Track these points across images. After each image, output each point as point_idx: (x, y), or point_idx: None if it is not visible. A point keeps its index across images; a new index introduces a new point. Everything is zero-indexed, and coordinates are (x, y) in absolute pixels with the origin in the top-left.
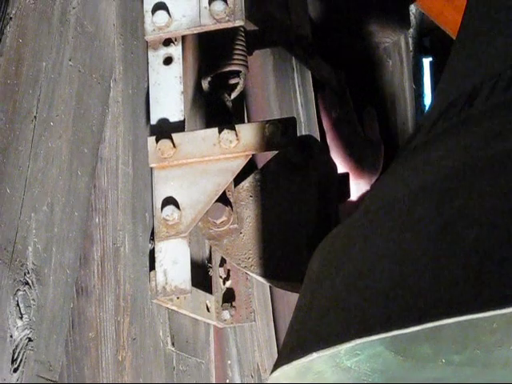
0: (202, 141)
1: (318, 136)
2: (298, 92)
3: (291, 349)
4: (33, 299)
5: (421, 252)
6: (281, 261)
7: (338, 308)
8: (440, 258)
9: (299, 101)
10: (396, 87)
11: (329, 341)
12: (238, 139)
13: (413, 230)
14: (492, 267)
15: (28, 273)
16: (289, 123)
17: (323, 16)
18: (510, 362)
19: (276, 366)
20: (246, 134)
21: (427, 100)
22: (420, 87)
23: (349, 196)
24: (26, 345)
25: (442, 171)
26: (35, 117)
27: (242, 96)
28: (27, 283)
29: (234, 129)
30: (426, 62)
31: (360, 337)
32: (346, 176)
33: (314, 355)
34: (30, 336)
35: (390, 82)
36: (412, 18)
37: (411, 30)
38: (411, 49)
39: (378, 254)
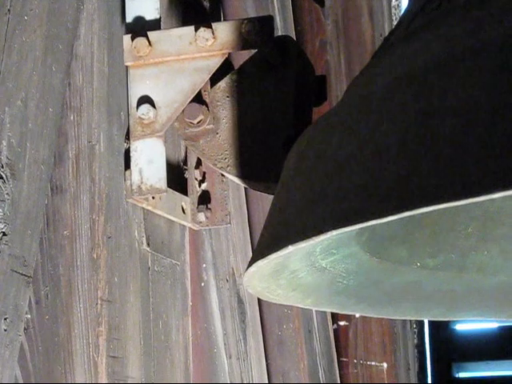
0: (178, 39)
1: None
2: None
3: (267, 244)
4: (7, 193)
5: (397, 142)
6: (257, 161)
7: (315, 201)
8: (416, 148)
9: (276, 6)
10: None
11: (304, 233)
12: (214, 37)
13: (390, 120)
14: (467, 157)
15: (2, 167)
16: (266, 21)
17: None
18: (484, 266)
19: (251, 261)
20: (223, 32)
21: None
22: (397, 0)
23: (326, 99)
24: (1, 239)
25: (420, 62)
26: (9, 10)
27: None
28: (1, 177)
29: (210, 27)
30: None
31: (336, 227)
32: (323, 78)
33: (290, 248)
34: (4, 230)
35: None
36: None
37: None
38: None
39: (355, 145)
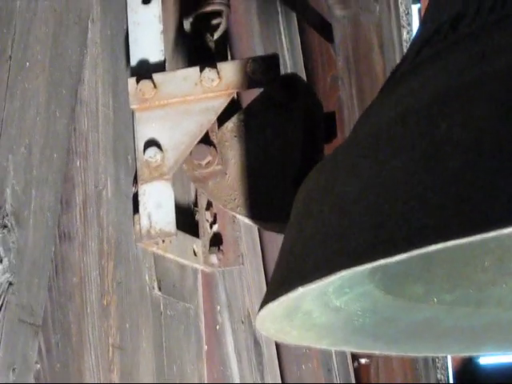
0: (184, 80)
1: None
2: (283, 35)
3: (277, 286)
4: (12, 242)
5: (406, 179)
6: (267, 201)
7: (323, 241)
8: (425, 185)
9: (284, 44)
10: (383, 32)
11: (314, 274)
12: (219, 77)
13: (397, 156)
14: (475, 192)
15: (7, 215)
16: (271, 60)
17: None
18: (503, 300)
19: (263, 303)
20: (228, 72)
21: None
22: (408, 33)
23: (336, 135)
24: (7, 289)
25: (425, 96)
26: (10, 57)
27: (226, 39)
28: (6, 226)
29: (215, 67)
30: (415, 8)
31: (345, 268)
32: (332, 115)
33: (300, 290)
34: (10, 280)
35: (378, 26)
36: None
37: None
38: None
39: (363, 182)
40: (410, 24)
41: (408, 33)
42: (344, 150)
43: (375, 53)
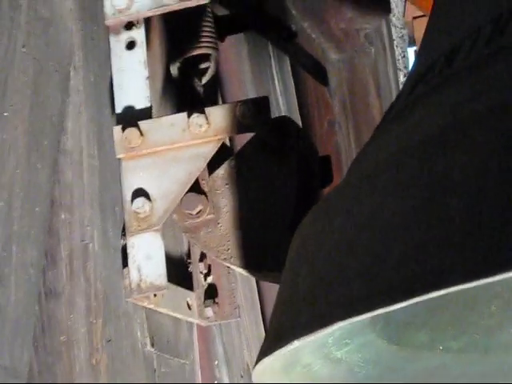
0: (171, 127)
1: (299, 123)
2: (276, 79)
3: (272, 339)
4: None
5: (403, 221)
6: (262, 250)
7: (318, 291)
8: (423, 227)
9: (278, 89)
10: (380, 75)
11: (310, 326)
12: (208, 123)
13: (394, 198)
14: (477, 234)
15: None
16: (261, 103)
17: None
18: (510, 345)
19: (258, 358)
20: (217, 117)
21: None
22: (405, 76)
23: (332, 180)
24: None
25: (421, 135)
26: None
27: (215, 84)
28: None
29: (203, 112)
30: (411, 51)
31: (340, 319)
32: (327, 158)
33: (296, 343)
34: None
35: (374, 69)
36: (393, 6)
37: (393, 18)
38: (394, 37)
39: (358, 226)
40: (406, 67)
41: (405, 75)
42: (339, 192)
43: (372, 96)
